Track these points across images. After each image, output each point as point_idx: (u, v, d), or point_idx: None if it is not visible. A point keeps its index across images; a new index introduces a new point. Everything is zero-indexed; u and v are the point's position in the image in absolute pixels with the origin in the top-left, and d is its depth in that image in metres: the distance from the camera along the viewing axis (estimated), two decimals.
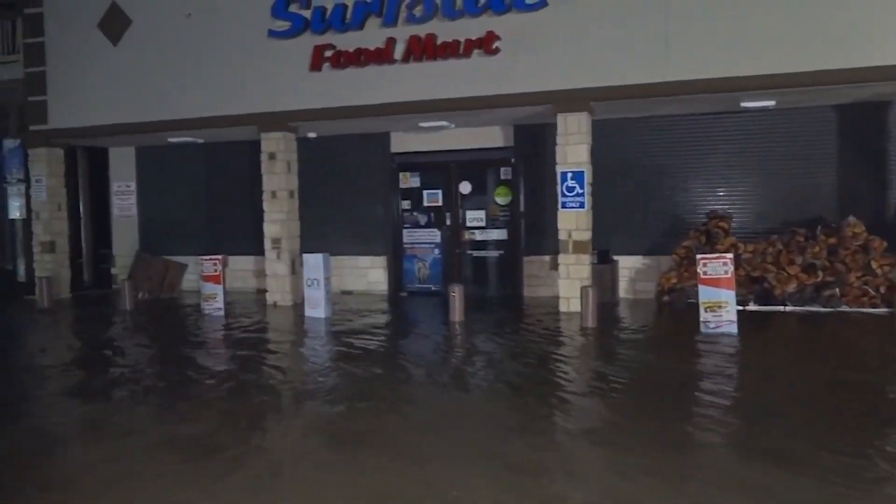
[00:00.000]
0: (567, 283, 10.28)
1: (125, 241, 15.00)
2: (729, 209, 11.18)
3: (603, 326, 9.06)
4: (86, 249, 16.79)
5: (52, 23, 13.11)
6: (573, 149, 10.20)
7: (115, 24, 12.51)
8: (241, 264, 13.88)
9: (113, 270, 14.98)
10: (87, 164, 16.62)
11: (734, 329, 8.38)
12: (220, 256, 11.01)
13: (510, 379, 6.60)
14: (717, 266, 8.56)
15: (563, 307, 10.33)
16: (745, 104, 10.46)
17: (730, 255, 8.72)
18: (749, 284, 10.24)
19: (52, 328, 10.55)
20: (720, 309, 8.47)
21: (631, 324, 9.42)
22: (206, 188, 14.39)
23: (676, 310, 10.43)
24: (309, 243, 12.91)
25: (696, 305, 8.76)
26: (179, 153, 14.54)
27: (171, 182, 14.73)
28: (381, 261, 13.20)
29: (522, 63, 10.31)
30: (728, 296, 8.48)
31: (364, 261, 13.32)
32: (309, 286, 10.39)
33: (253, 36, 11.61)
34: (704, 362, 7.26)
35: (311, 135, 12.98)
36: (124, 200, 15.06)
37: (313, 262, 10.34)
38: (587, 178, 10.19)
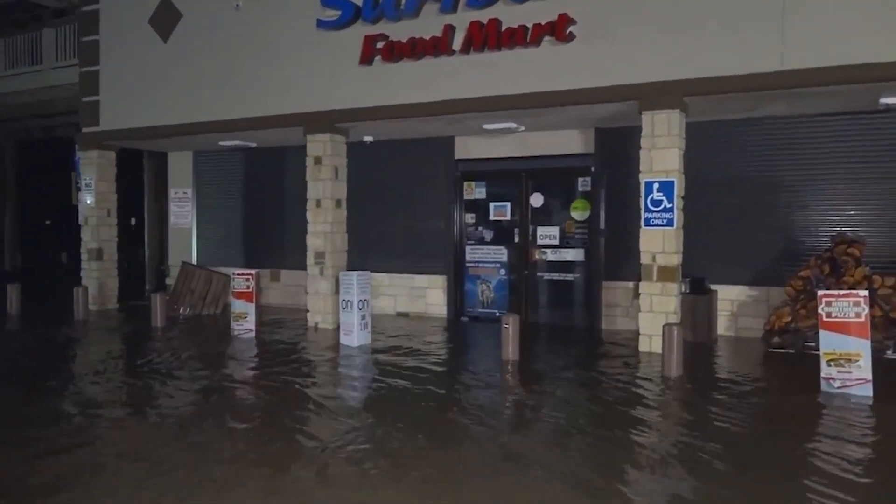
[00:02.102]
0: (649, 316, 8.44)
1: (182, 250, 14.27)
2: (861, 232, 8.99)
3: (691, 376, 7.19)
4: (148, 257, 16.39)
5: (106, 20, 12.52)
6: (661, 154, 8.38)
7: (165, 19, 11.73)
8: (294, 279, 12.76)
9: (167, 281, 14.27)
10: (153, 169, 16.19)
11: (868, 391, 6.33)
12: (253, 271, 9.85)
13: (547, 461, 4.91)
14: (846, 305, 6.53)
15: (643, 346, 8.49)
16: (885, 100, 8.30)
17: (863, 292, 6.66)
18: (888, 328, 8.06)
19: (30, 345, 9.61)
20: (849, 363, 6.43)
21: (728, 374, 7.46)
22: (261, 196, 13.42)
23: (789, 357, 8.37)
24: (358, 259, 11.68)
25: (816, 354, 6.77)
26: (234, 158, 13.71)
27: (226, 189, 13.90)
28: (440, 280, 11.72)
29: (601, 51, 8.61)
30: (860, 345, 6.44)
31: (421, 280, 11.89)
32: (343, 308, 9.04)
33: (301, 28, 10.48)
34: (824, 441, 5.30)
35: (368, 139, 11.72)
36: (181, 208, 14.34)
37: (347, 281, 8.98)
38: (677, 189, 8.34)
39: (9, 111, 17.24)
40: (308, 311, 10.75)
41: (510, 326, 7.98)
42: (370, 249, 12.18)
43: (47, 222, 24.45)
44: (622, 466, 4.66)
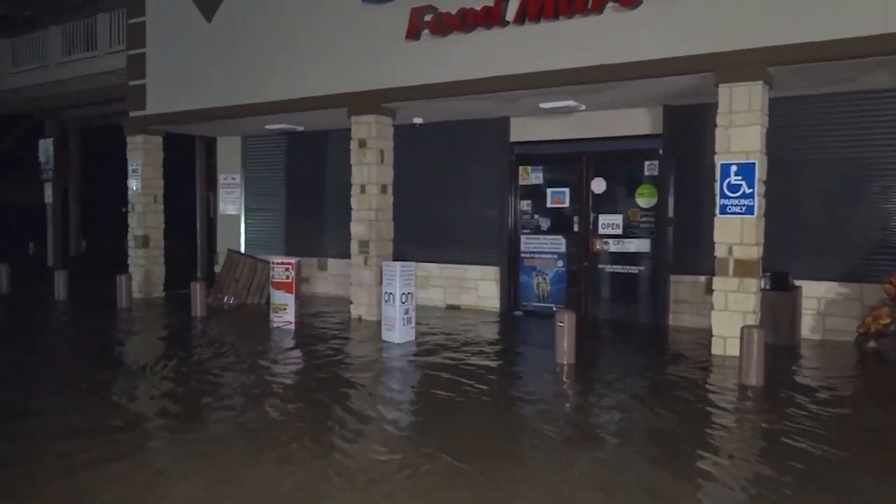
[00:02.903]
0: (725, 316, 7.50)
1: (230, 237, 13.95)
2: None
3: (772, 385, 6.25)
4: (200, 244, 16.19)
5: (153, 1, 12.20)
6: (740, 133, 7.40)
7: None
8: (342, 268, 12.22)
9: (216, 269, 13.97)
10: (204, 154, 15.95)
11: None
12: (293, 260, 9.31)
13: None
14: None
15: (716, 348, 7.56)
16: None
17: None
18: None
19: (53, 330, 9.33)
20: None
21: (817, 384, 6.47)
22: (309, 182, 12.92)
23: (888, 362, 7.32)
24: (406, 248, 11.06)
25: None
26: (282, 143, 13.26)
27: (274, 175, 13.48)
28: (493, 272, 10.97)
29: (671, 17, 7.68)
30: None
31: (474, 271, 11.17)
32: (385, 302, 8.40)
33: (345, 3, 9.84)
34: None
35: (418, 121, 11.04)
36: (229, 194, 14.01)
37: (389, 272, 8.34)
38: (759, 172, 7.35)
39: (68, 98, 17.26)
40: (352, 302, 10.18)
41: (565, 325, 7.18)
42: (419, 238, 11.53)
43: (123, 209, 24.77)
44: None
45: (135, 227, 12.48)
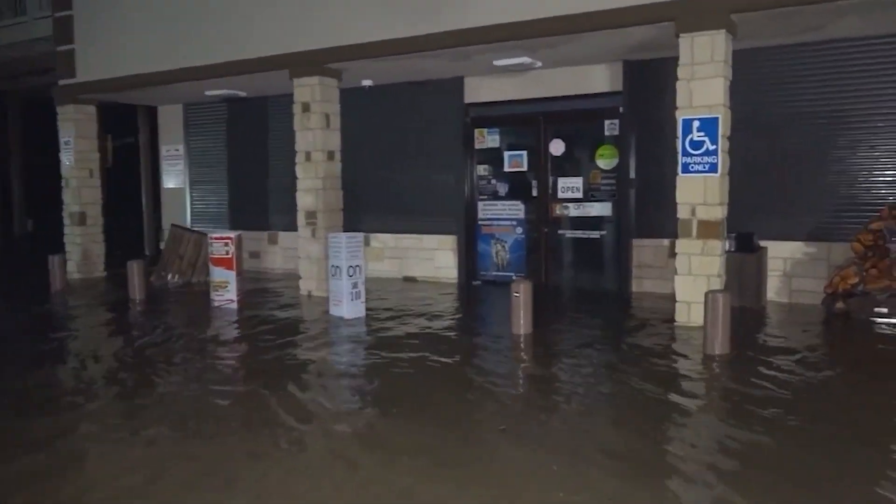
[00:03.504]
0: (688, 280, 7.11)
1: (176, 212, 13.25)
2: None
3: (739, 353, 5.89)
4: (147, 221, 15.45)
5: None
6: (702, 86, 6.95)
7: None
8: (293, 241, 11.50)
9: (162, 246, 13.27)
10: (148, 125, 15.15)
11: None
12: (232, 234, 8.70)
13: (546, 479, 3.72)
14: None
15: (680, 316, 7.18)
16: None
17: None
18: None
19: None
20: None
21: (784, 349, 6.12)
22: (257, 152, 12.23)
23: (856, 325, 7.02)
24: (358, 219, 10.55)
25: (889, 322, 5.44)
26: (226, 111, 12.52)
27: (219, 145, 12.76)
28: (450, 241, 10.48)
29: None
30: None
31: (430, 241, 10.66)
32: (332, 276, 7.88)
33: None
34: None
35: (367, 83, 10.42)
36: (173, 166, 13.27)
37: (335, 244, 7.80)
38: (722, 127, 6.92)
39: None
40: (300, 277, 9.63)
41: (521, 295, 6.73)
42: (371, 208, 10.99)
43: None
44: (654, 482, 3.44)
45: (70, 203, 11.72)
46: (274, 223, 12.08)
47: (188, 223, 12.93)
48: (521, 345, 6.47)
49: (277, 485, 3.55)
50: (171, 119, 13.15)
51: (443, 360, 5.95)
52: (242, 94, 11.50)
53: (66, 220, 11.75)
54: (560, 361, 5.89)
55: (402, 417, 4.52)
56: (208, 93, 11.35)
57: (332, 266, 7.84)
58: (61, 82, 11.65)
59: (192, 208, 13.12)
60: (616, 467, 3.68)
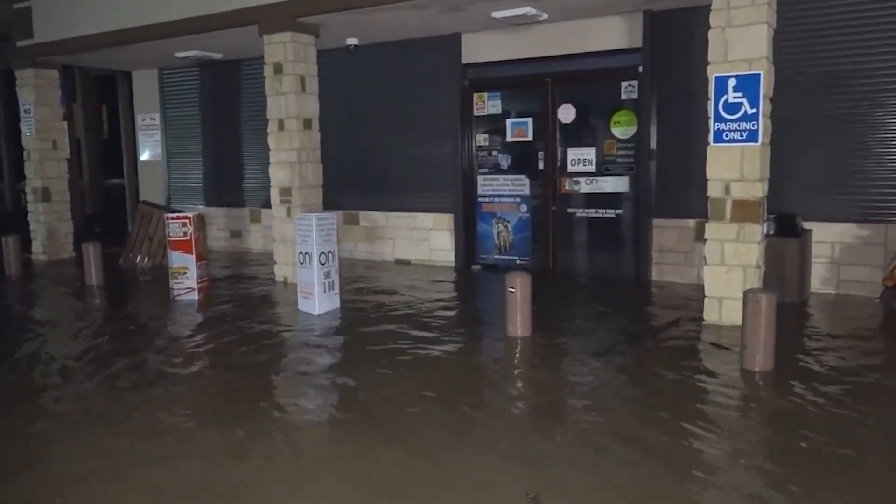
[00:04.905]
0: (720, 272, 5.93)
1: (153, 186, 12.20)
2: None
3: (785, 371, 4.71)
4: (129, 196, 14.42)
5: None
6: (740, 35, 5.69)
7: None
8: None
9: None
10: (128, 92, 14.02)
11: None
12: (190, 214, 7.60)
13: None
14: None
15: (709, 314, 6.01)
16: None
17: None
18: None
19: None
20: None
21: (842, 368, 4.90)
22: (238, 122, 11.10)
23: None
24: (342, 196, 9.49)
25: None
26: (205, 75, 11.38)
27: (197, 115, 11.63)
28: (447, 220, 9.33)
29: None
30: None
31: (424, 219, 9.52)
32: (301, 264, 6.78)
33: None
34: None
35: (352, 42, 9.20)
36: (149, 137, 12.19)
37: (303, 226, 6.68)
38: (764, 87, 5.68)
39: None
40: (275, 262, 8.55)
41: (518, 291, 5.59)
42: (359, 183, 9.87)
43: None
44: None
45: (32, 177, 10.69)
46: (255, 199, 10.98)
47: (166, 199, 11.88)
48: (516, 354, 5.34)
49: None
50: (146, 85, 12.04)
51: (411, 373, 4.84)
52: (217, 56, 10.33)
53: (29, 197, 10.74)
54: (552, 390, 4.69)
55: None
56: (179, 55, 10.19)
57: (301, 253, 6.73)
58: (19, 44, 10.53)
59: (169, 183, 12.05)
60: None
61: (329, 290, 6.77)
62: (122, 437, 3.83)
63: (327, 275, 6.73)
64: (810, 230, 7.05)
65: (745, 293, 4.80)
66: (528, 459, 3.44)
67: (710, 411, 4.08)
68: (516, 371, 5.02)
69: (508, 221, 9.03)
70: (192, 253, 7.49)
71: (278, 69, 8.08)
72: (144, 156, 12.30)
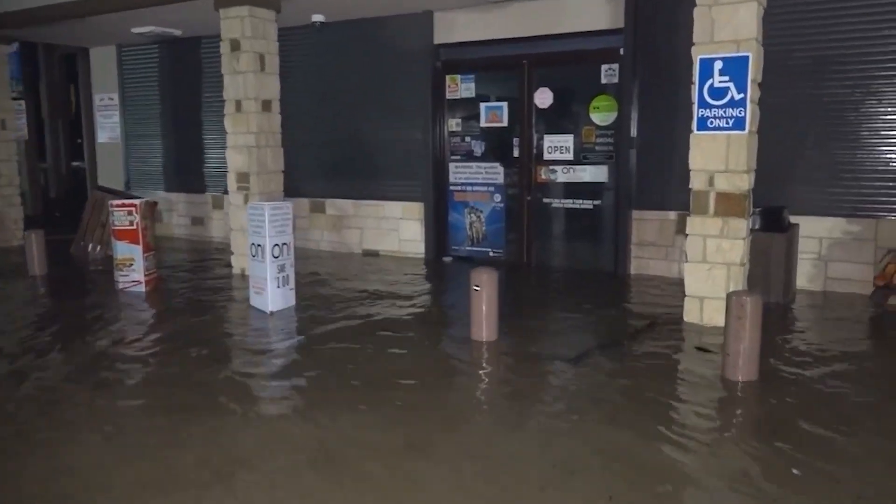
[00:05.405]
0: (702, 270, 5.51)
1: (112, 170, 11.61)
2: None
3: (770, 381, 4.31)
4: (90, 180, 13.78)
5: None
6: (728, 14, 5.24)
7: None
8: None
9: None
10: (86, 71, 13.37)
11: None
12: (137, 201, 7.07)
13: None
14: None
15: (690, 315, 5.60)
16: None
17: None
18: None
19: None
20: None
21: (831, 374, 4.51)
22: (201, 103, 10.51)
23: None
24: (307, 182, 9.01)
25: None
26: (165, 54, 10.78)
27: (157, 95, 11.04)
28: (416, 209, 8.85)
29: None
30: None
31: (394, 208, 9.04)
32: (253, 257, 6.28)
33: None
34: None
35: (318, 19, 8.66)
36: (107, 118, 11.58)
37: (255, 216, 6.18)
38: (752, 71, 5.24)
39: None
40: (232, 252, 8.04)
41: (483, 289, 5.14)
42: (325, 169, 9.37)
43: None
44: None
45: None
46: (216, 185, 10.43)
47: (125, 184, 11.30)
48: (482, 361, 4.89)
49: None
50: (104, 64, 11.42)
51: (361, 384, 4.38)
52: (176, 32, 9.74)
53: None
54: (515, 400, 4.28)
55: None
56: (136, 30, 9.59)
57: (253, 244, 6.23)
58: None
59: (128, 167, 11.46)
60: None
61: (284, 286, 6.28)
62: None
63: (282, 269, 6.24)
64: (797, 224, 6.65)
65: (729, 295, 4.38)
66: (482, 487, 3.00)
67: (687, 424, 3.66)
68: (479, 385, 4.56)
69: (481, 211, 8.57)
70: (138, 243, 6.96)
71: (235, 46, 7.54)
72: (102, 138, 11.69)
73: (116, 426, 3.73)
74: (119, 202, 7.07)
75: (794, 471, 3.12)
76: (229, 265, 8.11)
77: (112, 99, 11.41)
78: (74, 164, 14.84)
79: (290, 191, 8.49)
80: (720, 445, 3.46)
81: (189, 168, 10.74)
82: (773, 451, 3.33)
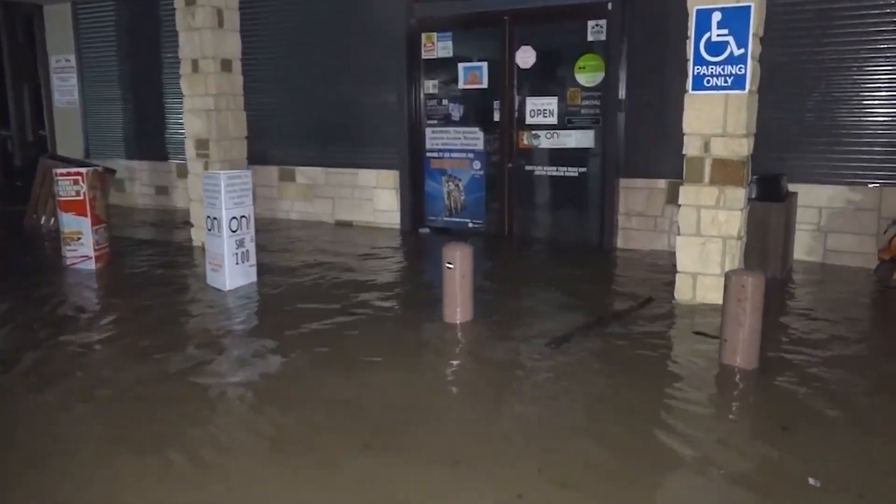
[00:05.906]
0: (695, 244, 5.06)
1: (70, 137, 10.97)
2: None
3: (772, 367, 3.88)
4: (51, 148, 13.11)
5: None
6: None
7: None
8: None
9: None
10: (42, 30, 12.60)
11: None
12: (84, 170, 6.50)
13: None
14: None
15: (682, 293, 5.16)
16: None
17: None
18: None
19: None
20: None
21: (838, 358, 4.09)
22: (163, 65, 9.86)
23: None
24: (275, 149, 8.46)
25: None
26: (124, 11, 10.08)
27: (116, 56, 10.37)
28: (391, 177, 8.34)
29: None
30: None
31: (367, 177, 8.52)
32: (209, 231, 5.77)
33: None
34: None
35: None
36: (64, 81, 10.89)
37: (210, 186, 5.65)
38: (754, 24, 4.74)
39: None
40: (192, 225, 7.52)
41: (457, 266, 4.66)
42: (295, 135, 8.81)
43: None
44: None
45: None
46: (179, 152, 9.80)
47: (84, 152, 10.68)
48: (454, 347, 4.44)
49: None
50: (58, 23, 10.71)
51: (317, 375, 3.92)
52: None
53: None
54: (500, 378, 3.85)
55: None
56: None
57: (208, 217, 5.71)
58: None
59: (87, 133, 10.82)
60: None
61: (243, 262, 5.78)
62: None
63: (240, 244, 5.73)
64: (795, 193, 6.21)
65: (728, 274, 3.93)
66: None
67: (680, 416, 3.24)
68: (448, 371, 4.11)
69: (460, 180, 8.07)
70: (86, 215, 6.41)
71: (190, 0, 6.91)
72: (60, 102, 11.02)
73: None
74: (64, 171, 6.50)
75: (811, 481, 2.69)
76: (190, 239, 7.58)
77: (69, 61, 10.72)
78: (42, 132, 14.15)
79: (257, 158, 7.95)
80: (717, 440, 3.03)
81: (151, 134, 10.13)
82: (773, 446, 2.92)
